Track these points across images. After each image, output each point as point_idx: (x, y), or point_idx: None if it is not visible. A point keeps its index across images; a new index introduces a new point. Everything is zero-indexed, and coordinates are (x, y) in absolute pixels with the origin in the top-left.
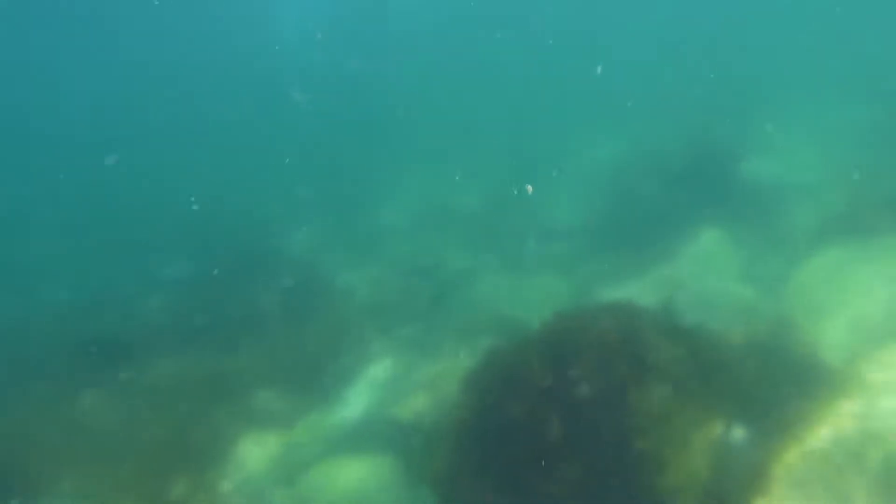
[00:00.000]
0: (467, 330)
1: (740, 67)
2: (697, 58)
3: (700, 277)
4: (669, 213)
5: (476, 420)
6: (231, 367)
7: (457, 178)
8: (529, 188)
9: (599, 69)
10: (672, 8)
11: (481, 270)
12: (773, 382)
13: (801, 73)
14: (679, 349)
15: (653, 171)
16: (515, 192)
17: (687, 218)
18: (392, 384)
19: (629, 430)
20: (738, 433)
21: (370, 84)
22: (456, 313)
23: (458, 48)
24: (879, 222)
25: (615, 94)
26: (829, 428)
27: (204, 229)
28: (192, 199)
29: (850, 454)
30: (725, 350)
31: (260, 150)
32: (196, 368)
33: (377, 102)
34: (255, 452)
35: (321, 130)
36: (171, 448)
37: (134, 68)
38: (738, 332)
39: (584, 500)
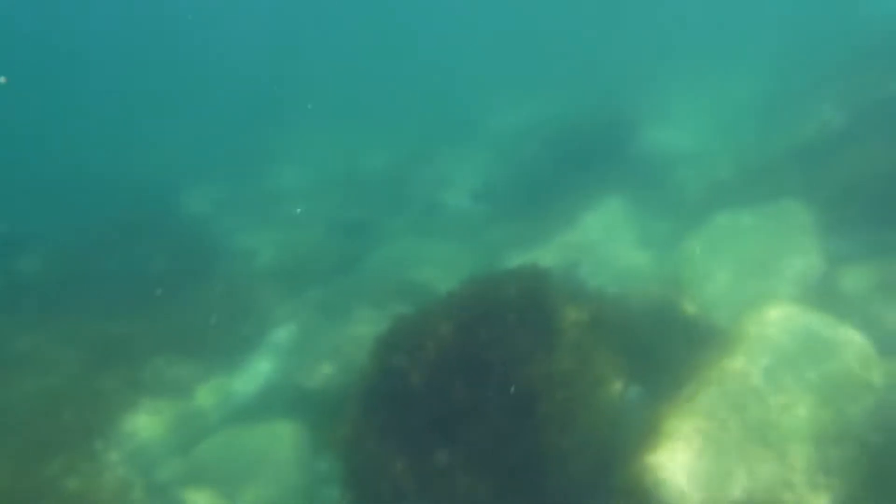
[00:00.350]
0: (375, 294)
1: (641, 39)
2: (602, 29)
3: (601, 242)
4: (573, 179)
5: (382, 385)
6: (121, 334)
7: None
8: None
9: None
10: None
11: (389, 234)
12: (666, 343)
13: (695, 46)
14: (582, 313)
15: (557, 138)
16: None
17: (589, 184)
18: (297, 349)
19: (534, 393)
20: (634, 392)
21: (278, 49)
22: (364, 277)
23: (369, 16)
24: (760, 189)
25: (523, 62)
26: (715, 386)
27: (91, 189)
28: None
29: (732, 409)
30: (624, 313)
31: (156, 109)
32: (80, 335)
33: (283, 66)
34: (147, 421)
35: (223, 92)
36: (50, 420)
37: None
38: (635, 295)
39: (488, 462)
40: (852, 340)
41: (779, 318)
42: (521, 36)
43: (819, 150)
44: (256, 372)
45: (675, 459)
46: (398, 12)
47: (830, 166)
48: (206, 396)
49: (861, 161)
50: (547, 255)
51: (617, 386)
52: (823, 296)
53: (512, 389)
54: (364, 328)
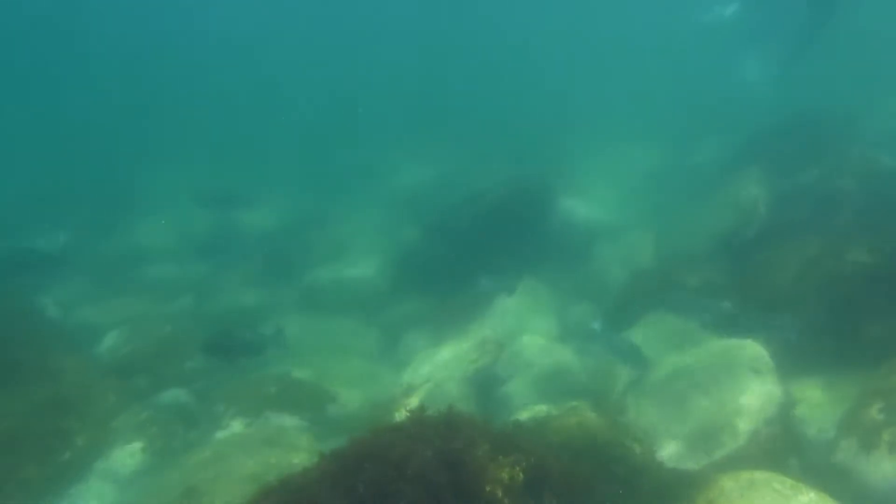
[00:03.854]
0: (251, 398)
1: (550, 109)
2: (510, 97)
3: (518, 334)
4: (484, 252)
5: None
6: None
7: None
8: None
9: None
10: (479, 47)
11: (274, 309)
12: None
13: (607, 116)
14: (514, 471)
15: (467, 205)
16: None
17: (502, 259)
18: (143, 481)
19: None
20: None
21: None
22: (242, 371)
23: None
24: (687, 283)
25: (430, 122)
26: None
27: None
28: None
29: None
30: (564, 465)
31: None
32: None
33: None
34: None
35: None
36: None
37: None
38: (571, 427)
39: None
40: None
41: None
42: (428, 95)
43: (744, 243)
44: None
45: None
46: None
47: (761, 266)
48: None
49: (796, 260)
50: (460, 354)
51: None
52: (793, 447)
53: None
54: (232, 459)
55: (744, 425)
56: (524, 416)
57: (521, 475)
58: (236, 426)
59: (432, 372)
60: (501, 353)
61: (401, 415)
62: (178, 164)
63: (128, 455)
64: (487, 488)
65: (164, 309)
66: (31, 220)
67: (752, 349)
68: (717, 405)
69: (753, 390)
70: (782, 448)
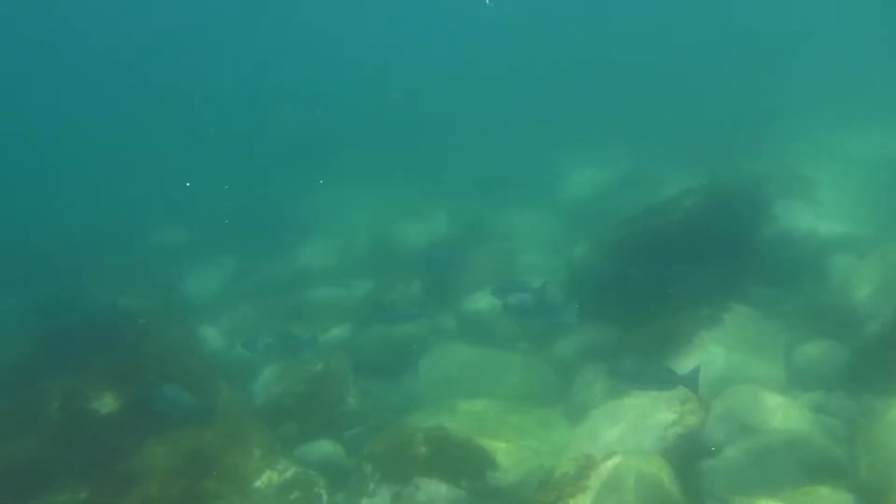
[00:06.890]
0: (406, 456)
1: (763, 95)
2: (700, 81)
3: (731, 387)
4: (679, 274)
5: None
6: None
7: None
8: None
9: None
10: (684, 31)
11: (430, 339)
12: None
13: (834, 100)
14: None
15: (659, 213)
16: None
17: (704, 284)
18: None
19: None
20: None
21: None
22: (387, 417)
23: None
24: None
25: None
26: None
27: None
28: None
29: None
30: None
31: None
32: None
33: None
34: None
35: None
36: None
37: None
38: None
39: None
40: None
41: None
42: (601, 84)
43: None
44: None
45: None
46: (439, 44)
47: None
48: None
49: None
50: (651, 406)
51: None
52: None
53: None
54: None
55: None
56: None
57: None
58: (384, 494)
59: (617, 438)
60: (709, 412)
61: None
62: (339, 180)
63: None
64: None
65: (319, 340)
66: (198, 246)
67: None
68: None
69: None
70: None
